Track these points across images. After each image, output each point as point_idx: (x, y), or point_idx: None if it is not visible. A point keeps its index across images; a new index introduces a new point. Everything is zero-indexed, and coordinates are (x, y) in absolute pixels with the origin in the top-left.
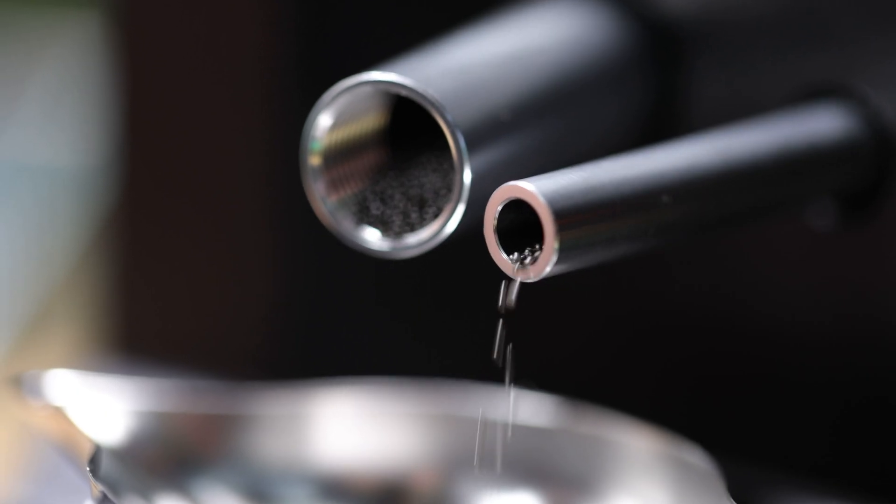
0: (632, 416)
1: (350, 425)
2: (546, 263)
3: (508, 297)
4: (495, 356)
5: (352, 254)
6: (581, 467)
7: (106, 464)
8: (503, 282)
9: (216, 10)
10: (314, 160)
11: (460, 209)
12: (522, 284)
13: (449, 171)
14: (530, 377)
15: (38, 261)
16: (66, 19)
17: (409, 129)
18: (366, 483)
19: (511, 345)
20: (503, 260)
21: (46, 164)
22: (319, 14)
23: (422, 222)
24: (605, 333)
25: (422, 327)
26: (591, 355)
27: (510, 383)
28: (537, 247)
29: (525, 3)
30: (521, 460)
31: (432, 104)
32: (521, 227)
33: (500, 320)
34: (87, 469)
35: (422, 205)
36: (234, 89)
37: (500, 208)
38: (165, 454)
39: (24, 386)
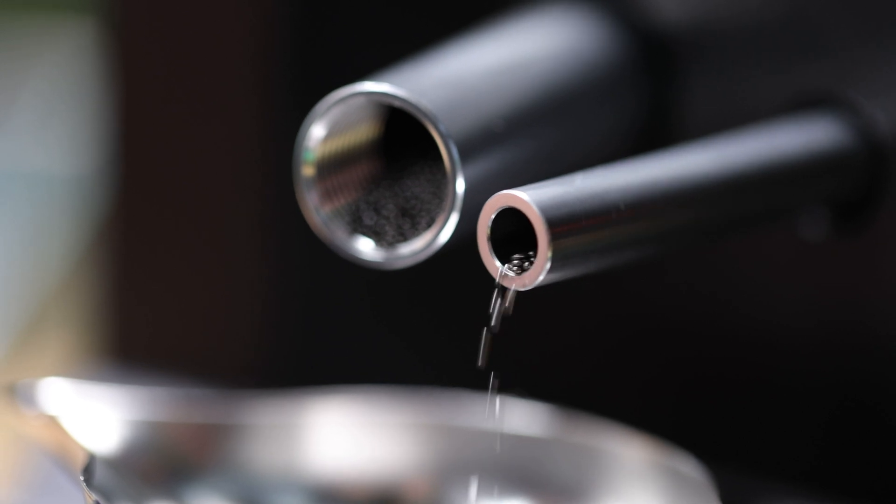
0: (623, 423)
1: (343, 434)
2: (539, 272)
3: (504, 305)
4: (480, 364)
5: (345, 263)
6: (573, 476)
7: (100, 473)
8: (496, 290)
9: (211, 19)
10: (307, 170)
11: (453, 219)
12: (515, 291)
13: (442, 180)
14: (520, 385)
15: (32, 268)
16: (60, 26)
17: (403, 138)
18: (358, 492)
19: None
20: (496, 269)
21: (40, 171)
22: (314, 24)
23: (415, 232)
24: (595, 339)
25: (415, 336)
26: (582, 362)
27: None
28: (531, 255)
29: (519, 13)
30: (514, 469)
31: (425, 115)
32: (514, 235)
33: (486, 329)
34: (81, 478)
35: (415, 215)
36: (229, 98)
37: (493, 217)
38: (159, 463)
39: (17, 395)
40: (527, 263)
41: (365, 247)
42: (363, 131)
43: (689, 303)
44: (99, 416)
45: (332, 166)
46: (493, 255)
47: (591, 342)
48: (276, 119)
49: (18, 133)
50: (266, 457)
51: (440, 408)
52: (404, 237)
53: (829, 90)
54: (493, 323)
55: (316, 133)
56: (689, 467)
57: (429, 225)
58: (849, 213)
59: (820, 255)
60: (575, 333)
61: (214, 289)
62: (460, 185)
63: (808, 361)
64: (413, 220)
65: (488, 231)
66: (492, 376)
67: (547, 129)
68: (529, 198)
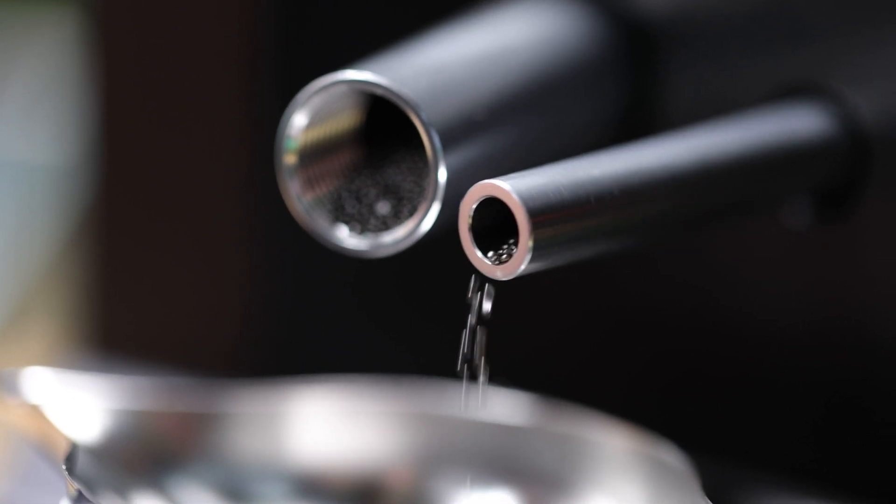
0: (607, 413)
1: (326, 423)
2: (520, 262)
3: (485, 295)
4: (462, 356)
5: (328, 252)
6: (556, 466)
7: (82, 462)
8: (475, 279)
9: (194, 9)
10: (289, 159)
11: (435, 208)
12: (498, 281)
13: (424, 169)
14: (505, 374)
15: (16, 258)
16: (44, 17)
17: (385, 126)
18: (342, 481)
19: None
20: (478, 258)
21: (24, 162)
22: (297, 13)
23: (397, 221)
24: (581, 330)
25: (398, 325)
26: (567, 352)
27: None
28: (512, 244)
29: (501, 1)
30: (496, 458)
31: (407, 103)
32: (496, 225)
33: (469, 319)
34: (64, 467)
35: (397, 203)
36: (212, 87)
37: (474, 206)
38: (142, 452)
39: (0, 384)
40: (505, 255)
41: (347, 235)
42: (345, 120)
43: (675, 295)
44: (82, 405)
45: (314, 155)
46: (475, 244)
47: (577, 334)
48: (259, 108)
49: (2, 123)
50: (249, 446)
51: (423, 397)
52: (386, 226)
53: (812, 79)
54: (473, 316)
55: (298, 121)
56: (670, 456)
57: (411, 213)
58: (832, 201)
59: (806, 246)
60: (561, 325)
61: (197, 278)
62: (442, 174)
63: (793, 352)
64: (395, 209)
65: (470, 220)
66: (465, 368)
67: (529, 118)
68: (511, 187)
